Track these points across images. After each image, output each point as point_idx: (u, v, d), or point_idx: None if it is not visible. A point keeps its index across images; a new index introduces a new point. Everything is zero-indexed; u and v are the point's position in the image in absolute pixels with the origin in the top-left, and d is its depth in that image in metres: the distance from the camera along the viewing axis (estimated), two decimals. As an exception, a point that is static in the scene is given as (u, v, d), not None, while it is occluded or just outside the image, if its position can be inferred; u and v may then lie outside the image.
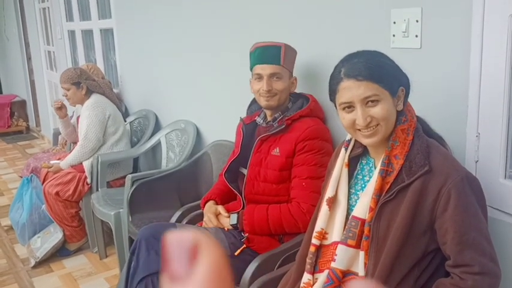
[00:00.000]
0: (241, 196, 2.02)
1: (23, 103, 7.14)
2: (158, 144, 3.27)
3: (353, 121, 1.29)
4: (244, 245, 1.83)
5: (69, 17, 4.78)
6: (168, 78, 3.29)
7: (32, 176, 3.35)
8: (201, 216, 2.15)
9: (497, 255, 1.22)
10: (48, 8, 5.26)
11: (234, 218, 1.88)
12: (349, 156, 1.41)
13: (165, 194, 2.71)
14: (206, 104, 2.94)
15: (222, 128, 2.81)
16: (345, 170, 1.41)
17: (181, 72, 3.12)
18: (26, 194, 3.27)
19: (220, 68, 2.72)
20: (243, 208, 2.01)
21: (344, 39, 1.89)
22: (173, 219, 2.23)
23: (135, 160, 3.43)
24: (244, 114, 2.16)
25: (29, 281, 2.86)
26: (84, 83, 3.15)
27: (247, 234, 1.85)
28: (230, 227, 1.89)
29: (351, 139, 1.43)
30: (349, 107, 1.30)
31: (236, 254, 1.79)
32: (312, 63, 2.07)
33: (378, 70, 1.26)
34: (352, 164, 1.42)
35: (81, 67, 3.44)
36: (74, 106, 3.41)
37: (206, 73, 2.86)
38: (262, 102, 1.93)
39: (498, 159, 1.39)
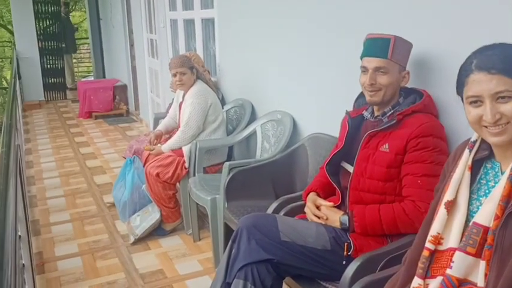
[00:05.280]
0: (340, 190, 1.99)
1: (124, 87, 7.57)
2: (253, 134, 3.31)
3: (479, 117, 1.21)
4: (347, 252, 1.79)
5: (172, 7, 4.95)
6: (266, 68, 3.30)
7: (134, 157, 3.53)
8: (299, 208, 2.14)
9: None
10: (153, -3, 5.50)
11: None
12: (473, 158, 1.31)
13: (260, 183, 2.72)
14: (304, 96, 2.91)
15: (320, 121, 2.77)
16: (468, 173, 1.31)
17: (281, 63, 3.11)
18: (128, 174, 3.46)
19: (322, 60, 2.68)
20: (341, 203, 1.98)
21: (466, 31, 1.76)
22: (270, 210, 2.23)
23: (230, 148, 3.49)
24: (344, 108, 2.10)
25: (129, 257, 3.03)
26: (195, 67, 3.28)
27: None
28: (336, 224, 1.85)
29: (476, 140, 1.33)
30: (477, 101, 1.21)
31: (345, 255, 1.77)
32: (425, 57, 1.96)
33: (515, 64, 1.15)
34: (475, 167, 1.32)
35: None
36: (185, 91, 3.37)
37: (306, 65, 2.83)
38: (367, 96, 1.89)
39: None
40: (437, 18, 1.89)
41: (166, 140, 3.41)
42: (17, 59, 8.05)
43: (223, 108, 3.57)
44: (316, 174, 2.33)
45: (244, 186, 2.68)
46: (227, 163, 2.73)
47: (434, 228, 1.33)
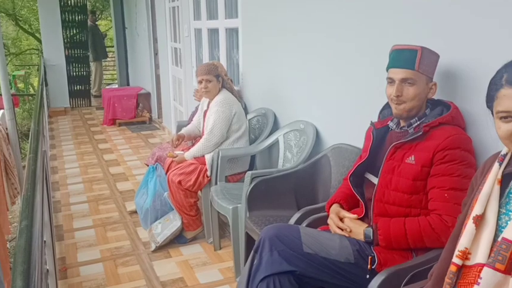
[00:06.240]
0: (364, 202, 1.97)
1: (147, 95, 7.66)
2: (276, 143, 3.30)
3: (510, 132, 1.18)
4: (371, 265, 1.75)
5: (197, 16, 5.00)
6: (289, 78, 3.30)
7: (157, 164, 3.56)
8: (322, 219, 2.12)
9: None
10: (178, 7, 5.56)
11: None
12: (502, 172, 1.28)
13: (282, 193, 2.71)
14: (328, 107, 2.89)
15: (343, 132, 2.75)
16: (497, 187, 1.28)
17: (304, 73, 3.10)
18: (150, 181, 3.49)
19: (345, 71, 2.66)
20: (365, 215, 1.95)
21: (495, 41, 1.73)
22: (292, 221, 2.22)
23: (252, 157, 3.49)
24: (368, 119, 2.09)
25: (150, 264, 3.04)
26: (221, 76, 3.30)
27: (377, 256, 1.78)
28: (360, 236, 1.82)
29: (506, 154, 1.30)
30: (507, 117, 1.18)
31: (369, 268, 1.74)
32: (453, 68, 1.94)
33: (548, 80, 1.13)
34: (505, 181, 1.29)
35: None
36: (210, 99, 3.42)
37: (329, 76, 2.82)
38: (393, 109, 1.87)
39: None
40: (465, 29, 1.86)
41: (189, 148, 3.42)
42: (44, 67, 8.22)
43: (246, 118, 3.58)
44: (339, 185, 2.31)
45: (266, 196, 2.67)
46: (249, 172, 2.73)
47: (462, 243, 1.30)
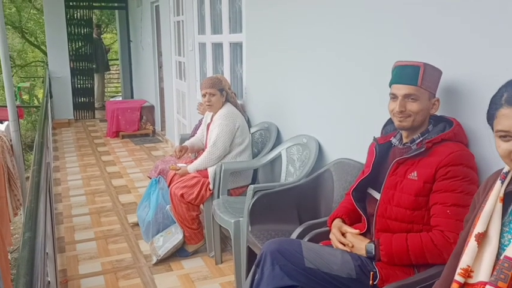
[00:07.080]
0: (366, 217, 1.96)
1: (151, 108, 7.69)
2: (278, 157, 3.30)
3: (509, 151, 1.19)
4: (373, 281, 1.75)
5: (201, 31, 5.05)
6: (292, 92, 3.32)
7: (159, 177, 3.57)
8: (324, 234, 2.12)
9: None
10: (183, 21, 5.62)
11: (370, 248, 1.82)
12: (505, 190, 1.29)
13: (284, 207, 2.71)
14: (330, 121, 2.90)
15: (346, 146, 2.76)
16: (499, 205, 1.28)
17: (307, 88, 3.12)
18: (153, 194, 3.49)
19: (348, 86, 2.68)
20: (367, 231, 1.95)
21: (498, 58, 1.74)
22: (294, 235, 2.21)
23: (254, 171, 3.49)
24: (370, 134, 2.10)
25: (151, 277, 3.03)
26: (225, 90, 3.33)
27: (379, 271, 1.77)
28: (362, 252, 1.82)
29: (508, 171, 1.30)
30: (506, 136, 1.19)
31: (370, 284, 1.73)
32: (455, 84, 1.95)
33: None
34: (507, 199, 1.30)
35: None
36: (213, 112, 3.44)
37: (332, 90, 2.83)
38: (395, 122, 1.88)
39: None
40: (467, 46, 1.88)
41: (192, 161, 3.43)
42: (49, 79, 8.28)
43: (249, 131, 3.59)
44: (341, 200, 2.31)
45: (269, 210, 2.67)
46: (252, 186, 2.73)
47: (464, 261, 1.30)
